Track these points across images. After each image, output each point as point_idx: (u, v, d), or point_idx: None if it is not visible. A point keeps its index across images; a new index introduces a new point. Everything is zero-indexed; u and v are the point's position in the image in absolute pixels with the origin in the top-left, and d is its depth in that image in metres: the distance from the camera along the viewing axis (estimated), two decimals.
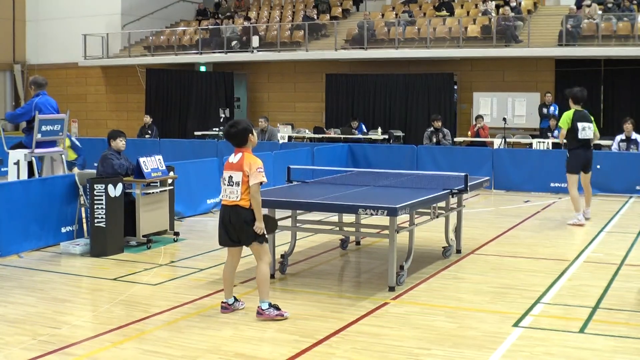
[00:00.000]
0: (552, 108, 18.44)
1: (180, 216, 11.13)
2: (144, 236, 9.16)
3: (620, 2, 20.81)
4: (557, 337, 5.76)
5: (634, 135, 14.97)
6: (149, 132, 20.16)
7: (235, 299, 6.48)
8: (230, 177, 6.16)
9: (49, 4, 27.52)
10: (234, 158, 6.23)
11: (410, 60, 21.91)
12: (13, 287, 7.33)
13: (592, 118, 11.28)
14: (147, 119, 20.71)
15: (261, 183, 6.15)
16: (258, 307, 6.23)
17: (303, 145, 17.84)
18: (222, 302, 6.45)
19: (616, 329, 5.97)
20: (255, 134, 6.31)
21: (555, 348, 5.51)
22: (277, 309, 6.22)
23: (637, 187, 13.94)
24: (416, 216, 7.90)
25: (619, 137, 15.13)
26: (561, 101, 19.11)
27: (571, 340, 5.70)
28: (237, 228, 6.22)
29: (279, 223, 7.71)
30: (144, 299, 6.87)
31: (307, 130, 21.20)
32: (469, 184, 8.22)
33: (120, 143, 9.45)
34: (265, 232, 6.21)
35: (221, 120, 21.10)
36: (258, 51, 23.46)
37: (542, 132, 17.92)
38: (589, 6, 20.65)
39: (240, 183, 6.11)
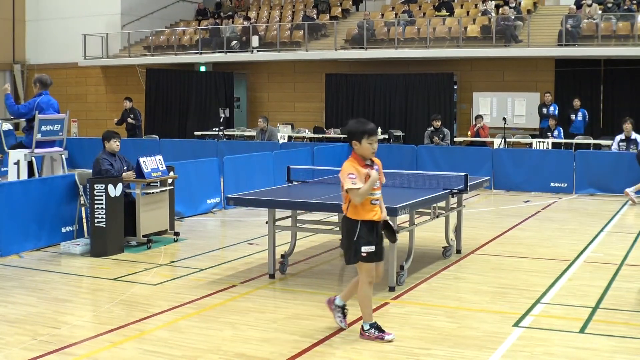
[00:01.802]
0: (551, 108, 18.42)
1: (180, 216, 11.13)
2: (144, 236, 9.16)
3: (620, 2, 20.81)
4: (557, 337, 5.76)
5: (634, 135, 14.97)
6: (131, 115, 19.13)
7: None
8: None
9: (49, 4, 27.51)
10: None
11: (410, 60, 21.91)
12: (13, 287, 7.33)
13: None
14: (127, 104, 19.33)
15: (371, 189, 5.52)
16: (360, 326, 5.83)
17: (303, 145, 17.84)
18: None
19: (616, 329, 5.97)
20: (367, 141, 5.52)
21: (556, 348, 5.51)
22: (380, 330, 5.73)
23: None
24: (416, 216, 7.90)
25: (618, 137, 15.13)
26: (561, 101, 19.17)
27: (571, 340, 5.70)
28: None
29: (280, 223, 7.73)
30: (144, 299, 6.87)
31: (307, 130, 21.20)
32: (469, 184, 8.22)
33: (114, 144, 9.34)
34: (366, 251, 5.62)
35: (221, 120, 21.08)
36: (258, 51, 23.45)
37: (542, 132, 17.92)
38: (589, 6, 20.65)
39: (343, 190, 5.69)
